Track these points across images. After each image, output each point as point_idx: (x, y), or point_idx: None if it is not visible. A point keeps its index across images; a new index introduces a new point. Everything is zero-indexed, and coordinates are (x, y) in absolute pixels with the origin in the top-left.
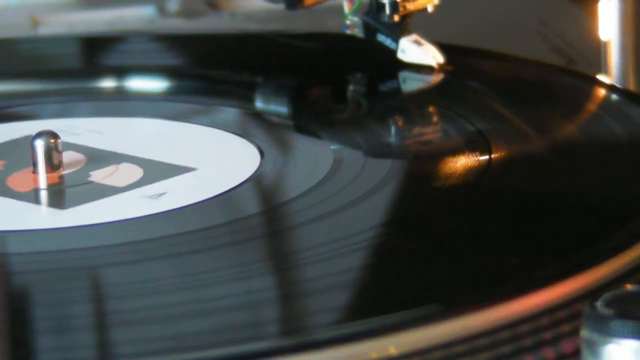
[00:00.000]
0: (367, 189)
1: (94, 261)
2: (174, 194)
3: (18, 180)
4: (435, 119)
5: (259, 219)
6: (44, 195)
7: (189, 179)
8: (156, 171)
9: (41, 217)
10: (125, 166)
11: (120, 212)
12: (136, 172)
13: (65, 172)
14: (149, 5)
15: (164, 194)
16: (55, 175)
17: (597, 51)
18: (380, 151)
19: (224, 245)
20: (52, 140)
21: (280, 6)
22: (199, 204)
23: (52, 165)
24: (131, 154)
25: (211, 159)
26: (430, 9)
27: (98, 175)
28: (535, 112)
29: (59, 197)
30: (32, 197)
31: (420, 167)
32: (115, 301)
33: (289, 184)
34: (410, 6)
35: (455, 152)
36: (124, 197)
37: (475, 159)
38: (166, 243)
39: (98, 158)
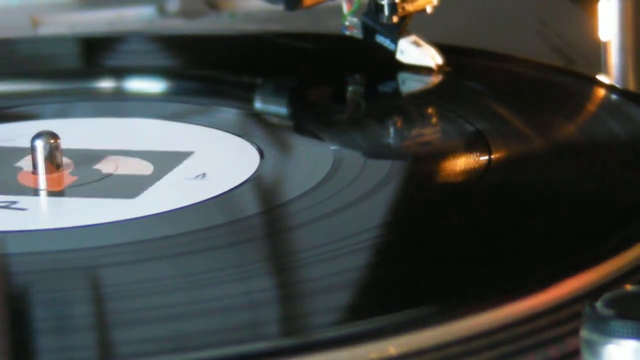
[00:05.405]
0: (367, 190)
1: (94, 261)
2: (214, 173)
3: (30, 180)
4: (434, 119)
5: (259, 219)
6: (89, 190)
7: (213, 160)
8: (166, 161)
9: (121, 209)
10: (127, 160)
11: (187, 195)
12: (144, 164)
13: (68, 170)
14: (149, 5)
15: (205, 174)
16: (64, 173)
17: (597, 51)
18: (380, 152)
19: (224, 245)
20: (52, 141)
21: (280, 7)
22: (199, 204)
23: (54, 165)
24: (133, 150)
25: (211, 159)
26: (429, 9)
27: (108, 169)
28: (535, 112)
29: (117, 189)
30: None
31: (420, 168)
32: (115, 301)
33: (289, 184)
34: (409, 7)
35: (455, 152)
36: (169, 181)
37: (475, 159)
38: (166, 243)
39: (90, 156)
